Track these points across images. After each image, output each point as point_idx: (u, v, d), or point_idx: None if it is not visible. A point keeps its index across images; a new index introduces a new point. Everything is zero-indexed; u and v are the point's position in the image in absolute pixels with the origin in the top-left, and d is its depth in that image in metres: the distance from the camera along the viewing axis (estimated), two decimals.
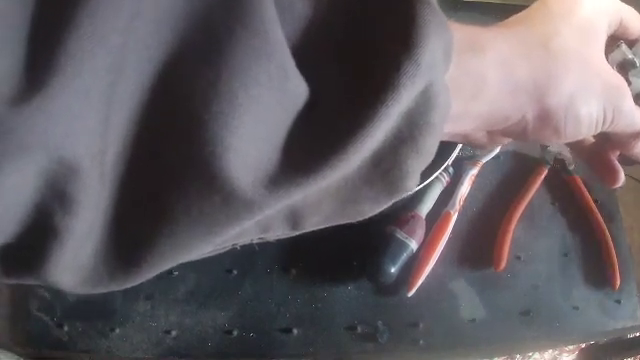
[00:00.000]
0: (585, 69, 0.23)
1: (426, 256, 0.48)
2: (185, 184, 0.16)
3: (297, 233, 0.21)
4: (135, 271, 0.18)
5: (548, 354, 0.60)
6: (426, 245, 0.49)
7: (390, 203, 0.21)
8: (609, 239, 0.52)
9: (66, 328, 0.47)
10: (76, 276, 0.17)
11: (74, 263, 0.17)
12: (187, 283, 0.49)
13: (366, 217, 0.22)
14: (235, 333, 0.47)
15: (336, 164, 0.17)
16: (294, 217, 0.19)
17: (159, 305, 0.48)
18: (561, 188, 0.56)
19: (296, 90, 0.17)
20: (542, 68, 0.22)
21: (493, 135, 0.25)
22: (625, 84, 0.25)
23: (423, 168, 0.20)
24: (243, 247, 0.53)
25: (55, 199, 0.15)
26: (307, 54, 0.17)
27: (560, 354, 0.60)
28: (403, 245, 0.47)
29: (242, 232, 0.19)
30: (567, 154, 0.56)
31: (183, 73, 0.15)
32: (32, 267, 0.16)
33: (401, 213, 0.49)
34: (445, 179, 0.52)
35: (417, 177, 0.20)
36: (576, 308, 0.50)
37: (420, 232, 0.48)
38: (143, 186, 0.17)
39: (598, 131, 0.25)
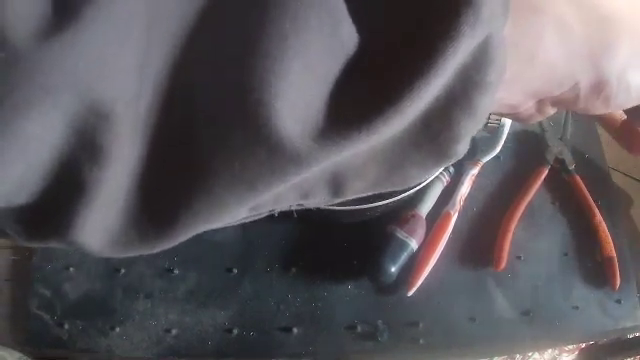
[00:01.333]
0: (638, 37, 0.22)
1: (426, 256, 0.48)
2: (228, 134, 0.15)
3: (338, 200, 0.19)
4: (167, 232, 0.16)
5: (548, 354, 0.60)
6: (426, 245, 0.49)
7: (438, 170, 0.20)
8: (609, 239, 0.52)
9: (66, 327, 0.47)
10: (104, 237, 0.16)
11: (103, 223, 0.16)
12: (187, 282, 0.49)
13: (411, 185, 0.20)
14: (235, 332, 0.47)
15: (390, 117, 0.15)
16: (336, 181, 0.18)
17: (159, 304, 0.48)
18: (561, 188, 0.56)
19: (348, 38, 0.16)
20: (597, 33, 0.21)
21: (542, 105, 0.23)
22: None
23: (474, 132, 0.18)
24: (243, 246, 0.53)
25: (84, 150, 0.14)
26: (359, 0, 0.16)
27: (560, 354, 0.59)
28: (403, 244, 0.47)
29: (281, 195, 0.17)
30: (567, 154, 0.56)
31: (227, 13, 0.14)
32: (58, 227, 0.15)
33: (401, 212, 0.49)
34: (445, 179, 0.52)
35: (467, 142, 0.18)
36: (576, 308, 0.50)
37: (420, 232, 0.48)
38: (180, 138, 0.15)
39: None
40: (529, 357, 0.60)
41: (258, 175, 0.15)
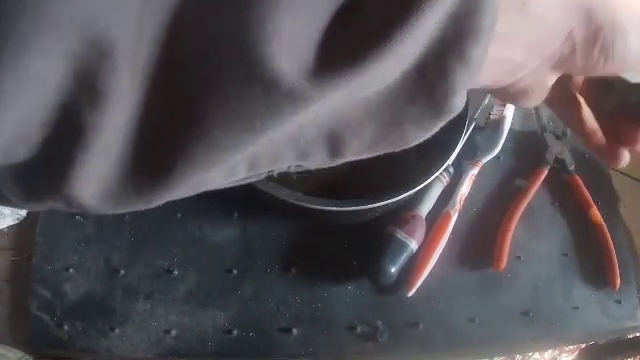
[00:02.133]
0: None
1: (426, 256, 0.48)
2: (224, 72, 0.15)
3: (337, 162, 0.19)
4: (163, 181, 0.16)
5: (548, 354, 0.60)
6: (426, 245, 0.49)
7: (435, 129, 0.19)
8: (609, 239, 0.52)
9: (66, 327, 0.47)
10: (101, 189, 0.16)
11: (99, 172, 0.15)
12: (187, 283, 0.49)
13: (410, 145, 0.20)
14: (235, 333, 0.47)
15: (382, 54, 0.15)
16: (334, 139, 0.18)
17: (159, 305, 0.48)
18: (561, 188, 0.56)
19: None
20: None
21: (541, 72, 0.22)
22: None
23: (469, 85, 0.18)
24: (242, 247, 0.53)
25: (84, 93, 0.13)
26: None
27: (560, 354, 0.60)
28: (403, 245, 0.47)
29: (279, 152, 0.18)
30: (567, 154, 0.56)
31: None
32: (55, 181, 0.15)
33: (401, 213, 0.49)
34: (445, 179, 0.52)
35: (463, 95, 0.18)
36: (576, 308, 0.50)
37: (420, 232, 0.48)
38: (177, 82, 0.15)
39: None
40: (529, 357, 0.60)
41: (254, 113, 0.15)
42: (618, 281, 0.51)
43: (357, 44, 0.15)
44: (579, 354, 0.60)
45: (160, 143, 0.16)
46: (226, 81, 0.15)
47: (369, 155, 0.20)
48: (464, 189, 0.52)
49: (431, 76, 0.17)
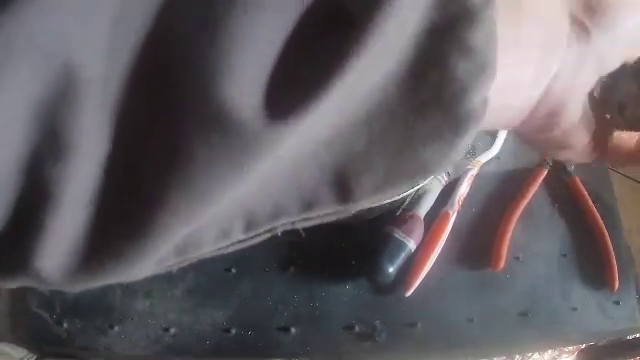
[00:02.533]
0: None
1: (424, 256, 0.48)
2: (185, 120, 0.13)
3: (350, 207, 0.17)
4: (143, 239, 0.14)
5: (548, 354, 0.60)
6: (424, 245, 0.49)
7: (459, 145, 0.16)
8: (608, 240, 0.52)
9: (65, 325, 0.47)
10: (70, 259, 0.14)
11: (69, 238, 0.14)
12: (186, 281, 0.49)
13: (435, 174, 0.17)
14: (233, 331, 0.47)
15: (351, 59, 0.13)
16: (340, 178, 0.16)
17: (158, 303, 0.48)
18: (561, 189, 0.56)
19: None
20: None
21: (570, 74, 0.19)
22: None
23: (484, 80, 0.15)
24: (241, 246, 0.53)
25: (46, 142, 0.12)
26: None
27: (560, 355, 0.60)
28: (401, 245, 0.47)
29: (280, 205, 0.16)
30: None
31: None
32: (21, 250, 0.13)
33: (399, 213, 0.49)
34: (444, 179, 0.52)
35: (481, 91, 0.15)
36: (574, 309, 0.50)
37: (418, 232, 0.48)
38: (150, 123, 0.13)
39: None
40: (529, 357, 0.60)
41: (218, 163, 0.14)
42: (617, 282, 0.50)
43: (320, 57, 0.14)
44: (578, 355, 0.60)
45: (134, 193, 0.14)
46: (188, 130, 0.13)
47: (389, 198, 0.17)
48: (463, 189, 0.52)
49: (430, 74, 0.15)
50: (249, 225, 0.16)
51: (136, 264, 0.14)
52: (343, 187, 0.16)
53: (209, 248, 0.16)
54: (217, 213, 0.15)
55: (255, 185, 0.15)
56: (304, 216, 0.16)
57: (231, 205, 0.15)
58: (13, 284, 0.14)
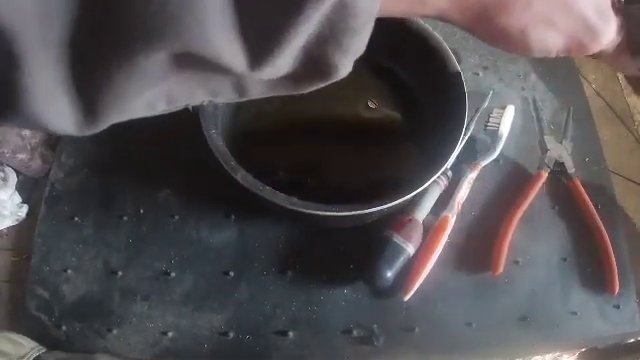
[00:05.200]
0: None
1: (423, 260, 0.48)
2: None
3: (242, 99, 0.24)
4: (97, 103, 0.20)
5: (549, 356, 0.60)
6: (423, 249, 0.48)
7: (329, 82, 0.24)
8: (609, 244, 0.51)
9: (64, 328, 0.47)
10: (55, 106, 0.19)
11: (46, 97, 0.18)
12: (184, 285, 0.49)
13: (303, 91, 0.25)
14: (231, 335, 0.47)
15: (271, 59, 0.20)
16: (240, 87, 0.23)
17: (156, 306, 0.48)
18: (561, 192, 0.55)
19: None
20: None
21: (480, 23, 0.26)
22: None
23: (354, 59, 0.23)
24: (239, 250, 0.53)
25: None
26: None
27: (561, 355, 0.59)
28: (400, 249, 0.47)
29: (193, 91, 0.22)
30: (567, 157, 0.56)
31: None
32: (9, 101, 0.18)
33: (398, 217, 0.49)
34: (443, 182, 0.51)
35: (348, 66, 0.23)
36: (574, 313, 0.50)
37: (417, 236, 0.48)
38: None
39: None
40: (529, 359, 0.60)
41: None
42: (617, 286, 0.50)
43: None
44: (578, 357, 0.59)
45: (88, 73, 0.19)
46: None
47: (271, 94, 0.25)
48: (462, 193, 0.51)
49: (313, 61, 0.22)
50: (170, 99, 0.22)
51: (96, 122, 0.21)
52: (240, 91, 0.23)
53: (139, 114, 0.23)
54: (146, 97, 0.21)
55: (176, 82, 0.21)
56: (210, 99, 0.24)
57: (156, 92, 0.21)
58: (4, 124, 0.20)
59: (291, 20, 0.19)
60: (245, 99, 0.25)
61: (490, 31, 0.27)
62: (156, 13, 0.17)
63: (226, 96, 0.24)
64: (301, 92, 0.25)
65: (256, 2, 0.19)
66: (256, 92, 0.24)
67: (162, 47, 0.18)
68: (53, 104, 0.19)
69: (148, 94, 0.21)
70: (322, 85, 0.24)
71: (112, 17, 0.18)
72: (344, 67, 0.23)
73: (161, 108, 0.23)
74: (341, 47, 0.21)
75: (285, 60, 0.21)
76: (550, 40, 0.28)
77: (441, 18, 0.26)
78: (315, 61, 0.22)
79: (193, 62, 0.20)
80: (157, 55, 0.18)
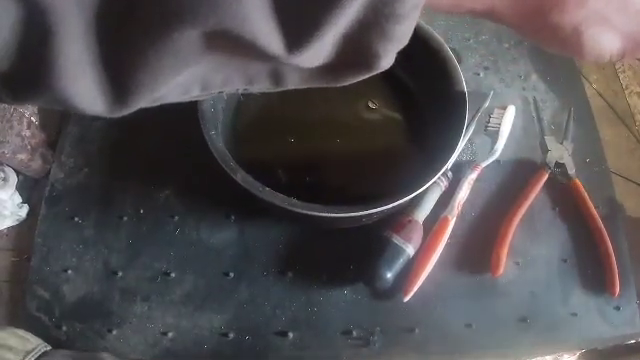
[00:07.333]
0: None
1: (423, 261, 0.48)
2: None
3: (279, 89, 0.23)
4: (128, 86, 0.19)
5: (550, 357, 0.60)
6: (423, 250, 0.48)
7: (368, 76, 0.23)
8: (609, 245, 0.51)
9: (64, 328, 0.47)
10: (85, 82, 0.19)
11: (76, 72, 0.18)
12: (184, 285, 0.49)
13: (347, 82, 0.24)
14: (231, 336, 0.47)
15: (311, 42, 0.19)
16: (276, 74, 0.22)
17: (156, 307, 0.48)
18: (561, 193, 0.55)
19: None
20: None
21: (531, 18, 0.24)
22: None
23: (397, 49, 0.21)
24: (239, 251, 0.53)
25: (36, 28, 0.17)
26: None
27: (561, 356, 0.59)
28: (400, 250, 0.47)
29: (229, 76, 0.21)
30: (568, 158, 0.56)
31: None
32: (38, 76, 0.18)
33: (398, 218, 0.48)
34: (444, 183, 0.51)
35: (390, 57, 0.22)
36: (574, 315, 0.50)
37: (417, 237, 0.48)
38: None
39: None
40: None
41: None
42: (618, 287, 0.50)
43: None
44: (578, 358, 0.59)
45: (117, 45, 0.19)
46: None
47: (307, 85, 0.24)
48: (463, 194, 0.51)
49: (354, 48, 0.21)
50: (205, 85, 0.22)
51: (127, 103, 0.20)
52: (277, 79, 0.22)
53: (173, 99, 0.22)
54: (180, 81, 0.21)
55: (211, 66, 0.21)
56: (246, 87, 0.23)
57: (191, 77, 0.21)
58: (31, 101, 0.19)
59: (333, 1, 0.18)
60: (282, 88, 0.23)
61: (541, 29, 0.25)
62: None
63: (262, 84, 0.22)
64: (340, 84, 0.23)
65: None
66: (293, 81, 0.23)
67: (197, 24, 0.17)
68: (83, 80, 0.18)
69: (182, 77, 0.20)
70: (363, 77, 0.23)
71: None
72: (387, 57, 0.21)
73: (195, 93, 0.22)
74: (385, 35, 0.20)
75: (325, 46, 0.20)
76: (605, 41, 0.26)
77: (490, 14, 0.25)
78: (356, 49, 0.21)
79: (229, 43, 0.19)
80: (192, 32, 0.18)
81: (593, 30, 0.25)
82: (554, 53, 0.28)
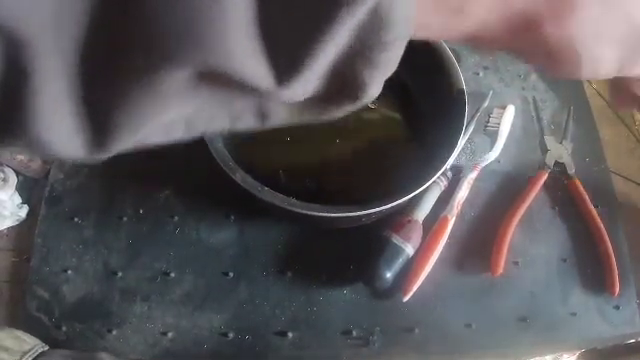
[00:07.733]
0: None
1: (422, 261, 0.48)
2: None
3: (265, 127, 0.23)
4: (108, 128, 0.19)
5: (549, 356, 0.60)
6: (422, 250, 0.48)
7: (355, 108, 0.23)
8: (609, 244, 0.51)
9: (64, 329, 0.47)
10: (62, 125, 0.18)
11: (54, 114, 0.17)
12: (183, 285, 0.49)
13: (333, 117, 0.24)
14: (231, 336, 0.47)
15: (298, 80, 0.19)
16: (261, 112, 0.22)
17: (156, 307, 0.48)
18: (561, 192, 0.55)
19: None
20: None
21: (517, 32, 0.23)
22: None
23: (384, 77, 0.21)
24: (239, 250, 0.53)
25: (16, 72, 0.16)
26: None
27: (561, 355, 0.59)
28: (399, 250, 0.47)
29: (214, 116, 0.21)
30: (568, 157, 0.56)
31: None
32: (18, 125, 0.17)
33: (397, 217, 0.48)
34: (443, 183, 0.51)
35: (377, 86, 0.22)
36: (574, 314, 0.50)
37: (416, 237, 0.48)
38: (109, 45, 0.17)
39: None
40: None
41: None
42: (617, 287, 0.50)
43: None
44: (578, 358, 0.59)
45: (99, 89, 0.18)
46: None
47: (296, 121, 0.23)
48: (462, 193, 0.51)
49: (342, 79, 0.20)
50: (189, 123, 0.21)
51: (106, 147, 0.19)
52: (262, 116, 0.22)
53: (156, 140, 0.21)
54: (163, 120, 0.20)
55: (196, 105, 0.20)
56: (230, 126, 0.22)
57: (175, 117, 0.20)
58: (6, 146, 0.18)
59: (322, 29, 0.18)
60: (267, 126, 0.23)
61: (534, 44, 0.24)
62: (174, 23, 0.16)
63: (247, 121, 0.22)
64: (328, 118, 0.23)
65: (283, 12, 0.18)
66: (279, 117, 0.22)
67: (182, 62, 0.17)
68: (61, 122, 0.18)
69: (165, 117, 0.20)
70: (351, 108, 0.22)
71: (130, 26, 0.16)
72: (374, 86, 0.21)
73: (179, 134, 0.21)
74: (371, 63, 0.20)
75: (314, 75, 0.19)
76: (603, 55, 0.24)
77: (480, 34, 0.23)
78: (343, 78, 0.20)
79: (215, 80, 0.18)
80: (177, 71, 0.17)
81: (589, 43, 0.24)
82: (549, 72, 0.26)
